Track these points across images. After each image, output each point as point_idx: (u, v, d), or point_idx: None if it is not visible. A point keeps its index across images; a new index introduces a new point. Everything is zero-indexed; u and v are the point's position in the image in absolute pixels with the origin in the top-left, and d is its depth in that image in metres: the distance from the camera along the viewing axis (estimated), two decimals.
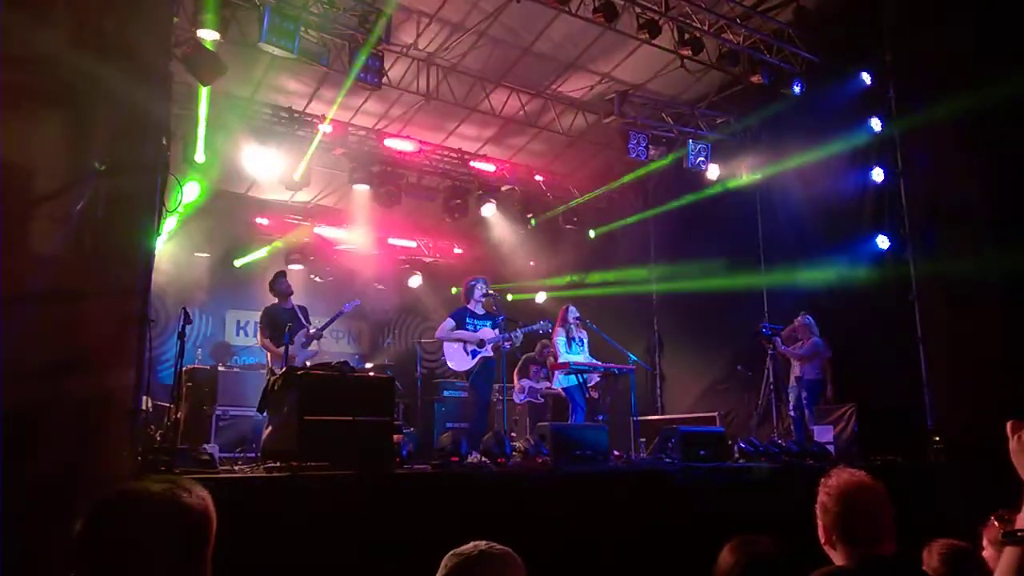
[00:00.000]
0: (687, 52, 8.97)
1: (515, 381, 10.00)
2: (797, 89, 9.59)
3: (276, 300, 8.50)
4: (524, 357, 9.79)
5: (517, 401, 9.97)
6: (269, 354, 8.30)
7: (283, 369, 7.81)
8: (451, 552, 1.92)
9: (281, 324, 8.02)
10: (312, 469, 4.56)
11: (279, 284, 8.50)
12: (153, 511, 1.56)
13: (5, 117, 3.98)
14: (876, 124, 8.95)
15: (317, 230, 12.90)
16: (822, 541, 2.54)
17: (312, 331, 8.18)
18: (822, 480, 2.60)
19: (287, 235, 12.72)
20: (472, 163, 11.79)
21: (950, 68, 7.83)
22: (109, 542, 1.51)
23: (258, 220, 12.54)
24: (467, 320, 8.01)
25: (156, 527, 1.54)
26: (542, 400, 9.95)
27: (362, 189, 11.14)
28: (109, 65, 4.41)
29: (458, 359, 7.98)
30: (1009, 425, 1.73)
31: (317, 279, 12.91)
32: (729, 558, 2.14)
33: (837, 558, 2.47)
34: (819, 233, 9.75)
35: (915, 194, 8.44)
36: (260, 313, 8.61)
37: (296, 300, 8.59)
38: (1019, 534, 1.60)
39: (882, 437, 7.38)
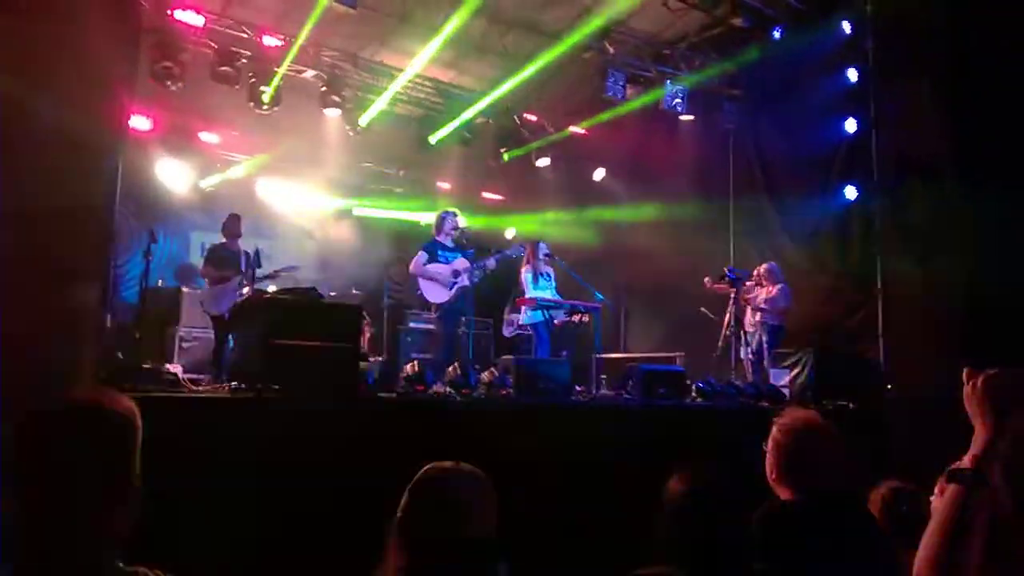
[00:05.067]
0: None
1: (506, 314, 10.02)
2: (777, 35, 9.54)
3: (224, 240, 8.56)
4: (515, 291, 9.76)
5: (506, 334, 9.98)
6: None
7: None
8: (428, 465, 1.99)
9: (220, 262, 8.26)
10: (276, 392, 4.59)
11: (228, 224, 8.62)
12: (78, 420, 1.66)
13: None
14: (853, 75, 8.95)
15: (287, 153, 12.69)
16: (770, 477, 2.65)
17: (246, 281, 8.21)
18: (775, 418, 2.70)
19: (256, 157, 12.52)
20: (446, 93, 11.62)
21: (928, 21, 7.83)
22: (36, 451, 1.61)
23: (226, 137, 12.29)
24: (439, 252, 8.01)
25: (81, 435, 1.63)
26: (530, 332, 9.94)
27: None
28: None
29: (435, 291, 7.99)
30: (965, 372, 1.80)
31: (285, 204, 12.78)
32: (677, 485, 2.23)
33: (783, 494, 2.59)
34: (789, 180, 9.86)
35: (886, 146, 8.52)
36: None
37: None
38: (962, 473, 1.68)
39: (836, 384, 7.57)
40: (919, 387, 7.24)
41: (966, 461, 1.69)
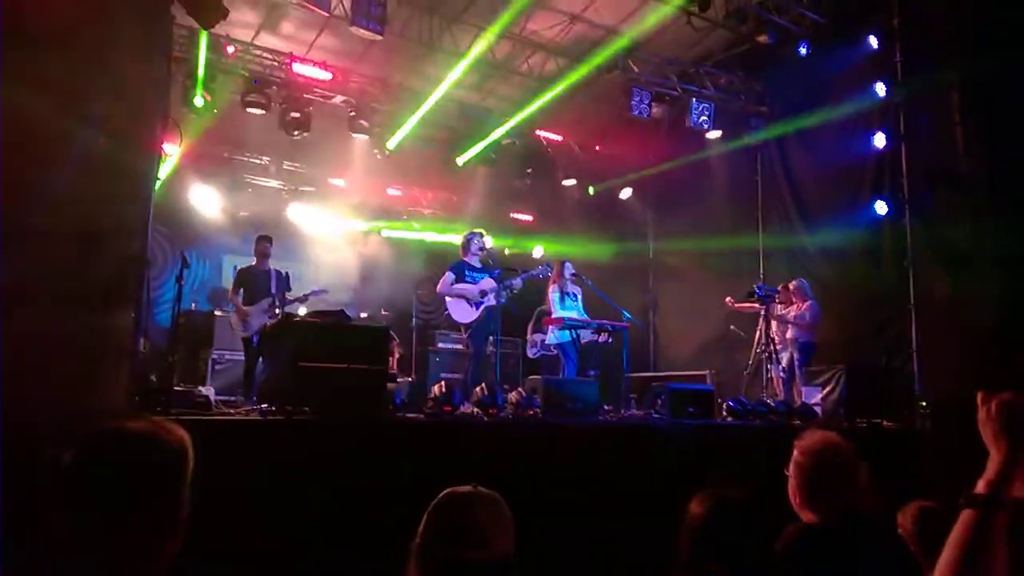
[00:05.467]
0: (694, 9, 8.87)
1: (528, 335, 10.00)
2: (803, 50, 9.51)
3: (255, 260, 8.71)
4: (538, 311, 9.76)
5: (531, 355, 9.95)
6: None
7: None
8: (446, 490, 2.00)
9: (248, 286, 8.41)
10: (306, 415, 4.63)
11: (258, 245, 8.79)
12: (134, 446, 1.67)
13: (8, 59, 3.96)
14: (881, 89, 8.88)
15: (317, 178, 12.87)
16: (794, 502, 2.60)
17: (277, 303, 8.32)
18: (795, 440, 2.66)
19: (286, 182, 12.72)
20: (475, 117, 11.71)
21: (956, 34, 7.77)
22: (93, 474, 1.62)
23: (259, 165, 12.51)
24: (466, 273, 8.04)
25: (136, 461, 1.65)
26: (555, 352, 9.94)
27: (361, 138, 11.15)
28: (110, 8, 4.38)
29: (462, 311, 8.00)
30: (979, 396, 1.78)
31: (315, 227, 12.96)
32: (698, 508, 2.21)
33: (807, 517, 2.54)
34: (818, 196, 9.80)
35: (916, 160, 8.42)
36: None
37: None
38: (975, 497, 1.66)
39: (869, 401, 7.47)
40: (954, 404, 7.11)
41: (980, 486, 1.66)
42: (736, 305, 9.28)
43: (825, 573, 2.29)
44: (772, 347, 8.72)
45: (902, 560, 2.45)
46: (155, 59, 5.08)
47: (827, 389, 7.58)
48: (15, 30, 4.03)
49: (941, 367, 7.66)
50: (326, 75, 10.19)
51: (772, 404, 7.24)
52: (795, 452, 2.63)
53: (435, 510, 1.95)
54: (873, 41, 9.02)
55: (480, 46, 9.71)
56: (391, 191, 13.69)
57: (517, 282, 8.02)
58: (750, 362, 9.06)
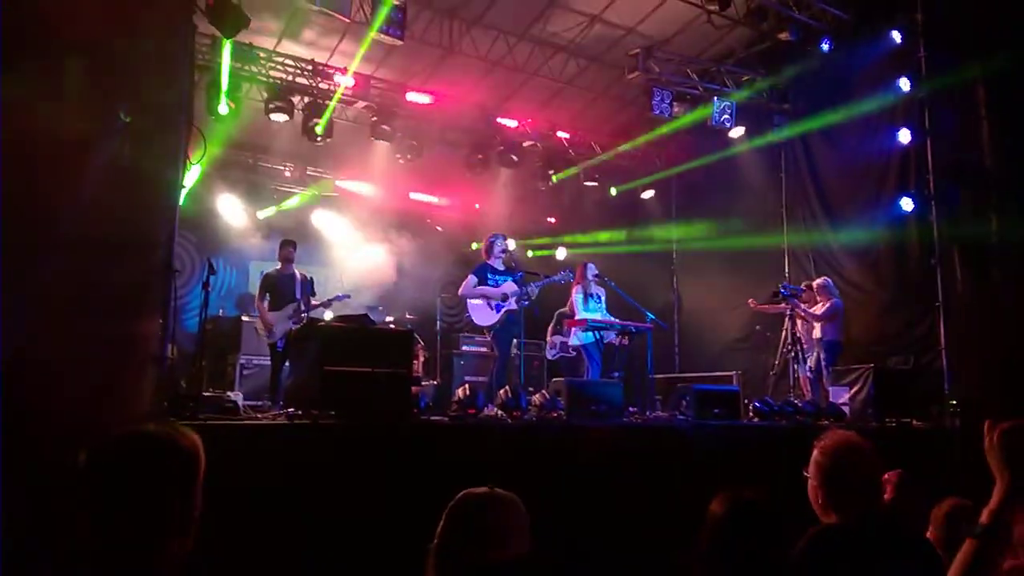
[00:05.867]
0: (714, 7, 8.83)
1: (548, 336, 10.00)
2: (826, 47, 9.43)
3: (279, 265, 8.78)
4: (557, 313, 9.74)
5: (550, 356, 9.95)
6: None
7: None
8: (462, 492, 2.02)
9: (273, 291, 8.48)
10: (331, 418, 4.67)
11: (282, 250, 8.83)
12: (150, 450, 1.76)
13: (29, 68, 4.03)
14: (905, 84, 8.78)
15: (339, 183, 12.96)
16: (815, 503, 2.57)
17: (303, 308, 8.37)
18: (815, 441, 2.64)
19: (310, 188, 12.83)
20: (496, 119, 11.73)
21: (981, 29, 7.67)
22: (106, 476, 1.71)
23: (283, 172, 12.64)
24: (488, 276, 8.05)
25: (152, 464, 1.74)
26: (574, 354, 9.93)
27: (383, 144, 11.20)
28: (132, 17, 4.45)
29: (483, 314, 8.01)
30: (986, 424, 1.77)
31: (340, 232, 13.07)
32: (718, 508, 2.21)
33: (829, 518, 2.50)
34: (843, 194, 9.72)
35: (941, 156, 8.33)
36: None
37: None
38: (977, 530, 1.65)
39: (898, 400, 7.39)
40: (984, 401, 7.02)
41: (984, 515, 1.65)
42: (760, 307, 9.23)
43: (844, 574, 2.26)
44: (799, 347, 8.64)
45: (926, 561, 2.41)
46: (179, 68, 5.15)
47: (855, 389, 7.51)
48: (40, 40, 4.11)
49: (970, 365, 7.56)
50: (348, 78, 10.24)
51: (799, 405, 7.18)
52: (815, 452, 2.60)
53: (452, 512, 1.97)
54: (896, 36, 8.93)
55: (501, 50, 9.73)
56: (414, 195, 13.73)
57: (533, 289, 8.01)
58: (776, 362, 9.00)
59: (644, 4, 9.79)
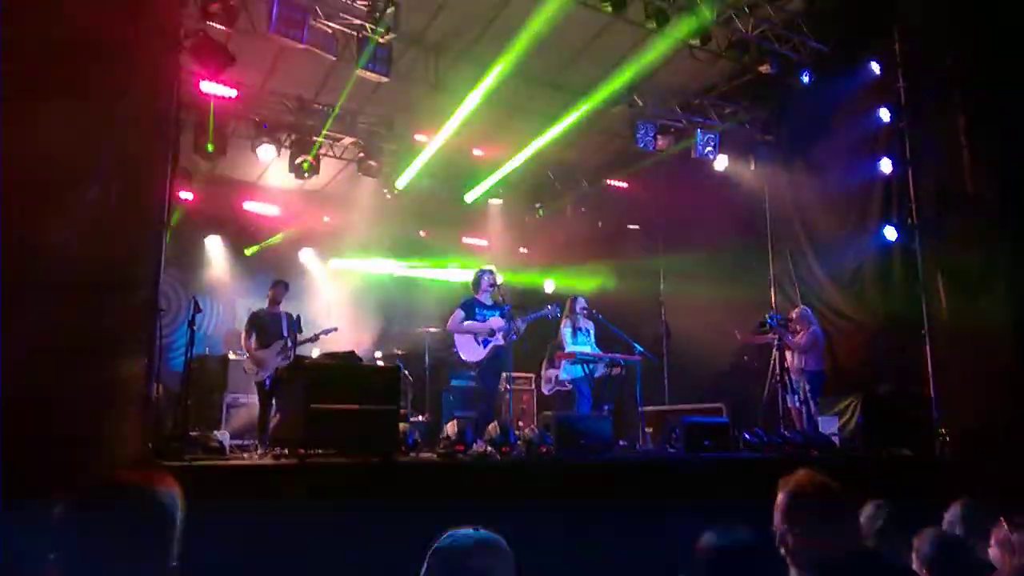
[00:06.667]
0: (695, 41, 8.95)
1: (543, 371, 9.95)
2: (806, 79, 9.55)
3: (267, 304, 8.82)
4: (550, 346, 9.72)
5: (545, 391, 9.89)
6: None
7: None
8: (447, 533, 1.99)
9: (260, 328, 8.49)
10: (319, 457, 4.63)
11: (274, 289, 8.89)
12: (125, 501, 1.76)
13: (17, 109, 4.04)
14: (885, 114, 8.91)
15: (328, 218, 12.96)
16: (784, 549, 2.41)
17: (289, 345, 8.35)
18: (780, 481, 2.52)
19: (298, 222, 12.82)
20: (475, 151, 11.78)
21: (959, 57, 7.80)
22: (84, 530, 1.70)
23: (268, 208, 12.63)
24: (476, 310, 8.03)
25: (128, 513, 1.74)
26: (569, 388, 9.87)
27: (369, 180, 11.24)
28: (118, 59, 4.47)
29: (470, 349, 7.98)
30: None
31: (326, 267, 13.05)
32: (708, 543, 2.17)
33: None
34: (827, 223, 9.79)
35: (923, 185, 8.40)
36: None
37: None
38: None
39: (887, 429, 7.39)
40: (973, 429, 7.02)
41: None
42: (747, 338, 9.24)
43: None
44: (787, 377, 8.64)
45: None
46: (164, 108, 5.16)
47: (844, 419, 7.51)
48: (24, 81, 4.11)
49: (959, 393, 7.56)
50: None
51: (788, 436, 7.17)
52: (779, 496, 2.45)
53: (435, 553, 1.94)
54: (875, 67, 9.07)
55: (486, 85, 9.81)
56: (401, 230, 13.74)
57: (521, 324, 8.00)
58: (765, 393, 8.98)
59: (628, 39, 9.90)
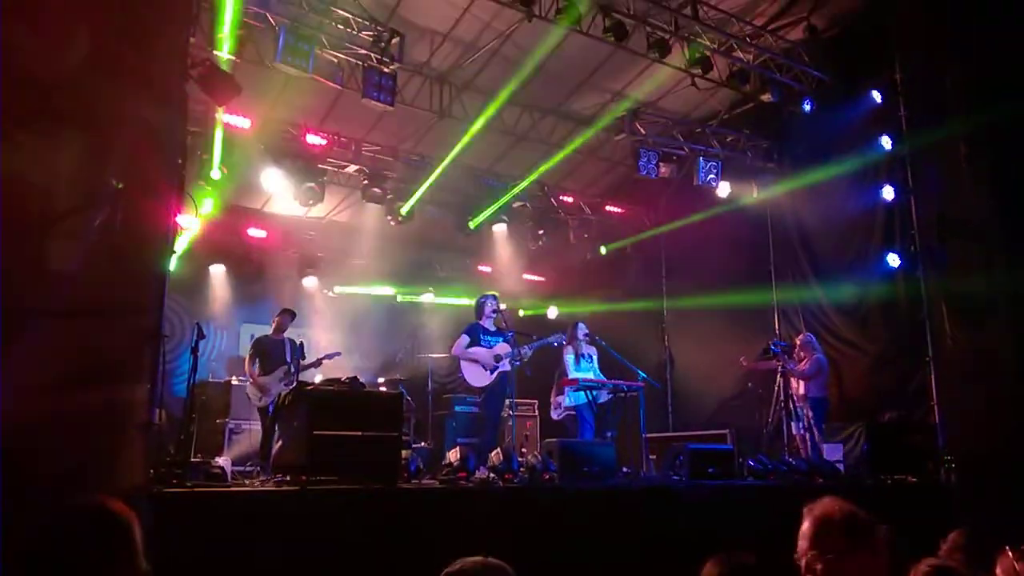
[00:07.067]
0: (697, 70, 9.03)
1: (552, 397, 9.92)
2: (807, 107, 9.63)
3: (271, 330, 8.91)
4: (557, 372, 9.71)
5: (555, 417, 9.86)
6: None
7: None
8: (456, 561, 1.98)
9: (264, 355, 8.60)
10: (320, 483, 4.61)
11: (280, 317, 9.01)
12: (83, 519, 2.00)
13: (24, 137, 4.08)
14: (886, 142, 8.96)
15: (331, 245, 12.98)
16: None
17: (292, 370, 8.43)
18: (805, 509, 2.52)
19: (301, 249, 12.86)
20: (483, 179, 11.86)
21: (959, 86, 7.86)
22: (43, 553, 1.92)
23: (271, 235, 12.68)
24: (481, 336, 8.04)
25: (86, 532, 1.96)
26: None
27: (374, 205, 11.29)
28: (126, 87, 4.52)
29: (476, 375, 7.96)
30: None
31: (330, 293, 13.07)
32: (712, 570, 2.17)
33: None
34: (830, 251, 9.81)
35: (925, 212, 8.43)
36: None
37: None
38: None
39: (892, 456, 7.35)
40: (978, 456, 6.98)
41: None
42: (751, 365, 9.22)
43: None
44: (792, 403, 8.61)
45: None
46: (171, 135, 5.21)
47: (849, 446, 7.48)
48: (34, 110, 4.16)
49: (964, 419, 7.53)
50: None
51: (793, 463, 7.13)
52: (805, 523, 2.45)
53: None
54: (876, 96, 9.13)
55: (490, 113, 9.91)
56: (405, 256, 13.77)
57: (527, 351, 8.00)
58: (770, 420, 8.95)
59: (630, 68, 10.00)
